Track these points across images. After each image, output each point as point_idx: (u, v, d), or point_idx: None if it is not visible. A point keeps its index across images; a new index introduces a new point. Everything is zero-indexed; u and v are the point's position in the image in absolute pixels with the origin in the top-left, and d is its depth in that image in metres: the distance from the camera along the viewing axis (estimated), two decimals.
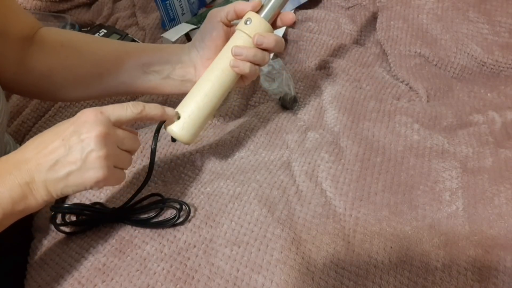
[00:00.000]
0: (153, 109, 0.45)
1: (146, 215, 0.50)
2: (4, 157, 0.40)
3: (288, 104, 0.65)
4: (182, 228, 0.49)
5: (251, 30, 0.48)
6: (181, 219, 0.50)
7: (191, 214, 0.51)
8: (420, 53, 0.71)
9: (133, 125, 0.66)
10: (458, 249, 0.46)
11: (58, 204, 0.50)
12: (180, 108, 0.49)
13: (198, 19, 0.82)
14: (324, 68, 0.73)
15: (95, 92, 0.55)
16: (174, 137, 0.48)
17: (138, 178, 0.56)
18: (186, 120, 0.48)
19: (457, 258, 0.45)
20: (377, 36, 0.75)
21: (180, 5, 0.83)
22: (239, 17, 0.50)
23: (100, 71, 0.53)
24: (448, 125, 0.61)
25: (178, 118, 0.48)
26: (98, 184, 0.41)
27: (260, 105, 0.67)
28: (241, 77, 0.52)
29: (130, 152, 0.45)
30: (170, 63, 0.53)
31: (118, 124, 0.43)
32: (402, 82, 0.69)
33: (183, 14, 0.85)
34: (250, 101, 0.69)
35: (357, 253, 0.46)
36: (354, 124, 0.61)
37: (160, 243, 0.48)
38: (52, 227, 0.51)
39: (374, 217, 0.49)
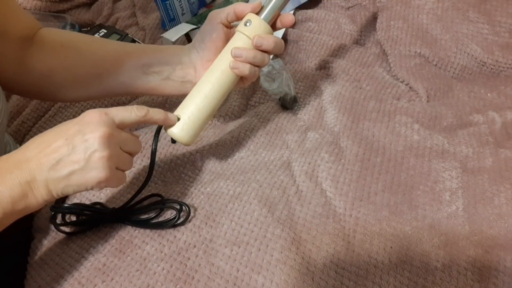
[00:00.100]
0: (157, 114, 0.45)
1: (146, 216, 0.50)
2: (5, 156, 0.40)
3: (288, 104, 0.65)
4: (182, 228, 0.49)
5: (251, 32, 0.48)
6: (181, 220, 0.50)
7: (191, 214, 0.51)
8: (420, 53, 0.71)
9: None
10: (458, 249, 0.46)
11: (58, 204, 0.50)
12: (179, 110, 0.49)
13: (198, 19, 0.82)
14: (324, 68, 0.73)
15: (94, 92, 0.55)
16: (173, 138, 0.49)
17: (138, 178, 0.56)
18: (186, 122, 0.48)
19: (457, 258, 0.45)
20: (377, 36, 0.75)
21: (180, 5, 0.83)
22: (239, 18, 0.50)
23: (100, 72, 0.53)
24: (448, 125, 0.61)
25: (178, 119, 0.48)
26: (100, 185, 0.41)
27: (260, 105, 0.67)
28: (241, 79, 0.52)
29: (132, 154, 0.45)
30: (170, 64, 0.53)
31: (122, 126, 0.43)
32: (402, 82, 0.69)
33: (183, 14, 0.85)
34: (250, 101, 0.69)
35: (357, 253, 0.46)
36: (354, 124, 0.61)
37: (160, 243, 0.48)
38: (52, 227, 0.51)
39: (374, 217, 0.49)
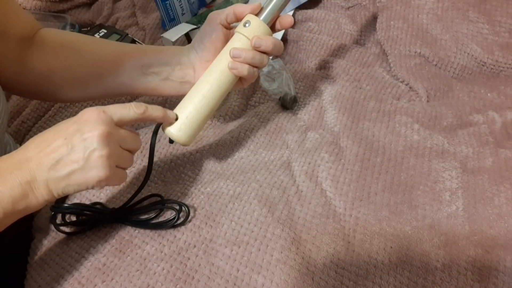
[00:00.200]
0: (155, 111, 0.45)
1: (145, 216, 0.50)
2: (5, 156, 0.40)
3: (288, 104, 0.65)
4: (182, 228, 0.49)
5: (250, 33, 0.48)
6: (180, 220, 0.50)
7: (191, 214, 0.51)
8: (420, 53, 0.71)
9: (133, 124, 0.66)
10: (458, 249, 0.46)
11: (58, 204, 0.50)
12: (178, 110, 0.49)
13: (198, 19, 0.82)
14: (324, 68, 0.73)
15: (94, 92, 0.55)
16: (171, 138, 0.49)
17: (138, 178, 0.56)
18: (184, 122, 0.48)
19: (457, 258, 0.45)
20: (377, 36, 0.75)
21: (180, 5, 0.83)
22: (238, 19, 0.50)
23: (99, 72, 0.53)
24: (448, 125, 0.61)
25: (176, 119, 0.48)
26: (100, 184, 0.41)
27: (260, 105, 0.67)
28: (239, 79, 0.52)
29: (132, 151, 0.45)
30: (169, 64, 0.53)
31: (120, 124, 0.43)
32: (402, 82, 0.69)
33: (183, 14, 0.85)
34: (250, 101, 0.69)
35: (357, 253, 0.46)
36: (354, 124, 0.61)
37: (160, 243, 0.48)
38: (52, 227, 0.51)
39: (374, 217, 0.49)
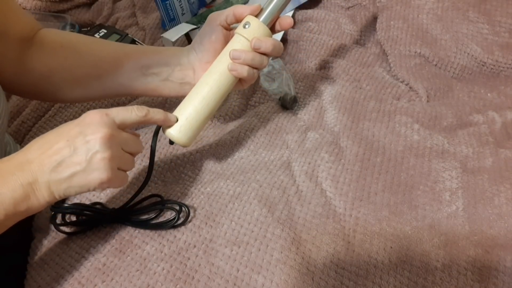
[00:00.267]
0: (157, 114, 0.46)
1: (146, 216, 0.50)
2: (6, 158, 0.40)
3: (288, 104, 0.65)
4: (182, 228, 0.50)
5: (250, 34, 0.48)
6: (180, 221, 0.50)
7: (191, 215, 0.51)
8: (420, 53, 0.71)
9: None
10: (458, 249, 0.46)
11: (58, 204, 0.50)
12: (178, 111, 0.49)
13: (198, 19, 0.82)
14: (324, 68, 0.73)
15: (94, 93, 0.55)
16: (171, 139, 0.49)
17: (138, 178, 0.56)
18: (184, 123, 0.48)
19: (457, 258, 0.45)
20: (377, 36, 0.75)
21: (180, 5, 0.83)
22: (238, 20, 0.50)
23: (99, 72, 0.53)
24: (448, 125, 0.61)
25: (176, 120, 0.48)
26: (102, 186, 0.41)
27: (260, 105, 0.67)
28: (239, 81, 0.52)
29: (133, 154, 0.45)
30: (169, 65, 0.53)
31: (123, 127, 0.43)
32: (402, 82, 0.69)
33: (183, 14, 0.85)
34: (250, 101, 0.69)
35: (357, 253, 0.46)
36: (354, 124, 0.61)
37: (160, 243, 0.48)
38: (52, 227, 0.51)
39: (374, 217, 0.49)
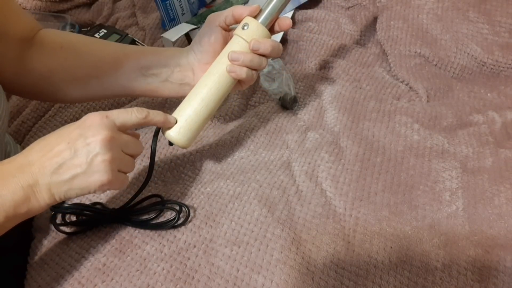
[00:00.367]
0: (156, 116, 0.46)
1: (146, 216, 0.50)
2: (7, 160, 0.40)
3: (288, 104, 0.65)
4: (182, 228, 0.50)
5: (248, 35, 0.48)
6: (180, 221, 0.50)
7: (191, 215, 0.51)
8: (420, 53, 0.71)
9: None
10: (458, 249, 0.46)
11: (58, 204, 0.50)
12: (177, 113, 0.49)
13: (198, 19, 0.82)
14: (324, 68, 0.73)
15: (94, 93, 0.55)
16: (171, 141, 0.49)
17: (138, 179, 0.56)
18: (183, 125, 0.48)
19: (457, 258, 0.45)
20: (377, 36, 0.75)
21: (180, 5, 0.83)
22: (237, 21, 0.50)
23: (99, 73, 0.53)
24: (448, 125, 0.61)
25: (175, 122, 0.48)
26: (102, 188, 0.41)
27: (260, 105, 0.67)
28: (238, 82, 0.52)
29: (133, 156, 0.45)
30: (168, 66, 0.53)
31: (123, 129, 0.43)
32: (402, 82, 0.69)
33: (183, 14, 0.85)
34: (250, 101, 0.69)
35: (357, 253, 0.46)
36: (354, 124, 0.61)
37: (160, 243, 0.48)
38: (52, 227, 0.51)
39: (374, 217, 0.49)
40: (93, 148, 0.39)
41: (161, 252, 0.47)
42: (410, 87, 0.68)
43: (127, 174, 0.45)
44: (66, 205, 0.51)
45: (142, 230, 0.50)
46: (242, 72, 0.48)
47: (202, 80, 0.50)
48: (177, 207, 0.50)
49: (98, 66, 0.54)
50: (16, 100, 0.71)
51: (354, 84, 0.69)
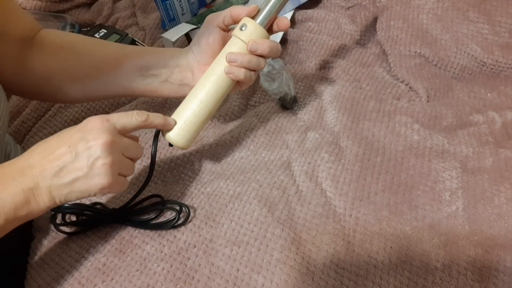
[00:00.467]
0: (156, 118, 0.46)
1: (146, 216, 0.50)
2: (7, 163, 0.40)
3: (288, 104, 0.65)
4: (182, 228, 0.50)
5: (246, 36, 0.48)
6: (180, 221, 0.50)
7: (191, 215, 0.51)
8: (420, 53, 0.71)
9: None
10: (458, 249, 0.46)
11: None
12: (176, 114, 0.49)
13: (198, 19, 0.82)
14: (324, 68, 0.73)
15: (94, 93, 0.55)
16: (170, 142, 0.49)
17: (138, 179, 0.56)
18: (182, 126, 0.48)
19: (457, 258, 0.45)
20: (377, 36, 0.75)
21: (180, 5, 0.83)
22: (235, 21, 0.50)
23: (99, 73, 0.54)
24: (448, 125, 0.61)
25: (175, 124, 0.48)
26: (103, 191, 0.41)
27: (260, 105, 0.67)
28: (237, 82, 0.51)
29: (133, 159, 0.45)
30: (167, 67, 0.53)
31: (123, 132, 0.44)
32: (402, 82, 0.69)
33: (183, 14, 0.85)
34: (250, 101, 0.69)
35: (357, 253, 0.46)
36: (354, 124, 0.61)
37: (160, 243, 0.48)
38: (52, 227, 0.51)
39: (374, 217, 0.49)
40: (94, 152, 0.40)
41: (161, 252, 0.47)
42: (410, 87, 0.68)
43: (127, 177, 0.45)
44: (66, 205, 0.51)
45: (142, 230, 0.50)
46: (240, 73, 0.48)
47: (200, 82, 0.50)
48: (177, 207, 0.50)
49: (98, 66, 0.54)
50: (16, 100, 0.71)
51: (354, 84, 0.69)
